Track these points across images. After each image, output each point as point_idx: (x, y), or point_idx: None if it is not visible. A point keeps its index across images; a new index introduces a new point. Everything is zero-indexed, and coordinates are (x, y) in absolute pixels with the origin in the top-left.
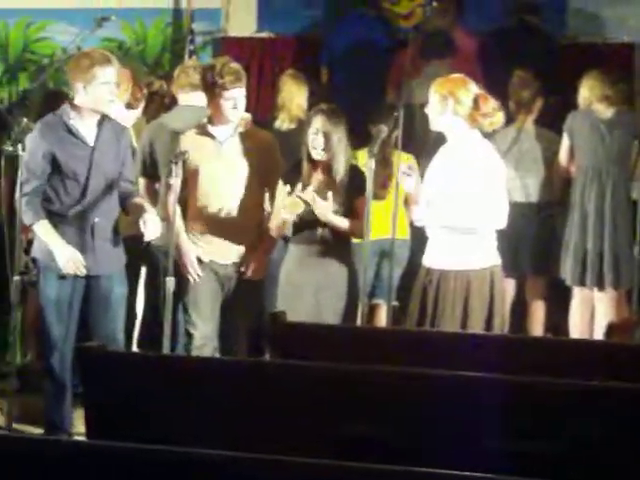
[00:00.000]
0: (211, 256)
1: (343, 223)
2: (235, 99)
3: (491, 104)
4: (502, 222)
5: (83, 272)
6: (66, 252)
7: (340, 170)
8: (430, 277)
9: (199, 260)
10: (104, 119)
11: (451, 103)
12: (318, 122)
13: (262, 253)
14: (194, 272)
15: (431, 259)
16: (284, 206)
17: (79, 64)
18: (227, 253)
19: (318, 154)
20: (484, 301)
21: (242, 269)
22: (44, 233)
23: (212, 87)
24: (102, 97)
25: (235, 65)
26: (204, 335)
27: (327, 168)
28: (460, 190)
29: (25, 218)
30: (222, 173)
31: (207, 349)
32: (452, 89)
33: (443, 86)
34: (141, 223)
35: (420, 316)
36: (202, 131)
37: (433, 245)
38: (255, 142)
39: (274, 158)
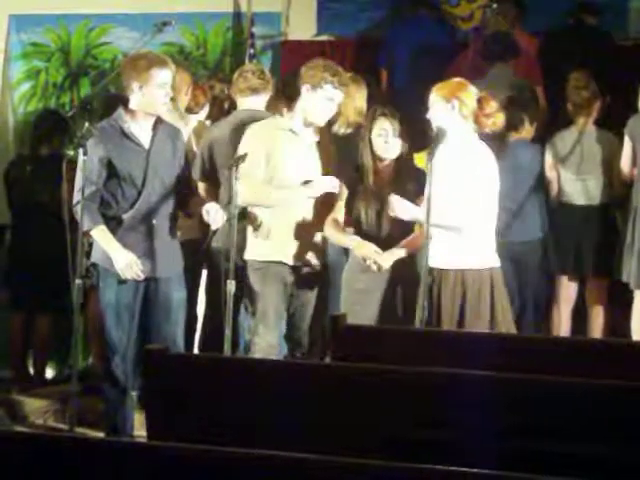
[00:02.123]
0: (279, 257)
1: (403, 253)
2: (333, 99)
3: (493, 105)
4: (492, 225)
5: (141, 277)
6: (124, 257)
7: (401, 172)
8: (433, 276)
9: (265, 262)
10: (158, 122)
11: (456, 105)
12: (382, 123)
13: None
14: None
15: (432, 258)
16: (354, 244)
17: (136, 65)
18: (295, 255)
19: (385, 152)
20: (485, 303)
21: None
22: (101, 239)
23: (315, 83)
24: (157, 99)
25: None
26: (269, 344)
27: (390, 168)
28: (456, 191)
29: (83, 224)
30: (299, 173)
31: (269, 353)
32: (455, 91)
33: (445, 89)
34: (204, 213)
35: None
36: (286, 128)
37: (434, 245)
38: (326, 146)
39: (330, 163)
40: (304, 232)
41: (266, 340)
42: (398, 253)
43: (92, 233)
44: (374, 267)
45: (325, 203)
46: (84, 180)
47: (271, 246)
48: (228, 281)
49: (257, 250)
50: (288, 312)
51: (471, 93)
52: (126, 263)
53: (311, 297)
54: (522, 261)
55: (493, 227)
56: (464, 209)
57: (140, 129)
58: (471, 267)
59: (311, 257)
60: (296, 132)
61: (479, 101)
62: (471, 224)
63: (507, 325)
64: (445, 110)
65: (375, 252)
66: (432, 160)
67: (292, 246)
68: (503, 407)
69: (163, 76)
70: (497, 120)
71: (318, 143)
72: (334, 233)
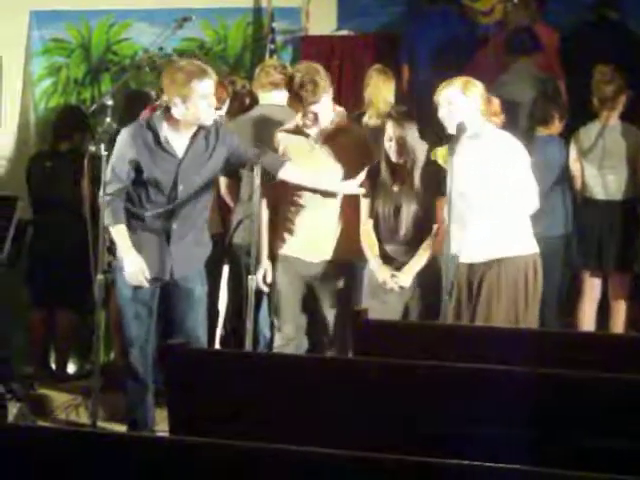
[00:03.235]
0: (298, 254)
1: (424, 260)
2: (316, 113)
3: (497, 102)
4: (534, 205)
5: (145, 285)
6: (134, 263)
7: (418, 171)
8: (473, 270)
9: (285, 257)
10: (200, 129)
11: (476, 99)
12: (390, 128)
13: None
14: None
15: (471, 254)
16: (377, 268)
17: (175, 79)
18: (315, 251)
19: (396, 159)
20: (521, 290)
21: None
22: (118, 238)
23: (296, 96)
24: (202, 110)
25: (312, 79)
26: (286, 336)
27: (406, 171)
28: (490, 180)
29: (105, 219)
30: (316, 171)
31: (288, 349)
32: (464, 87)
33: (460, 85)
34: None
35: (457, 312)
36: (296, 129)
37: (463, 241)
38: (349, 140)
39: (370, 156)
40: (325, 228)
41: (284, 334)
42: (415, 268)
43: (111, 230)
44: (396, 287)
45: (347, 200)
46: (110, 176)
47: (292, 241)
48: (249, 276)
49: (279, 243)
50: (308, 307)
51: (480, 89)
52: (134, 270)
53: (331, 293)
54: (547, 256)
55: (536, 205)
56: (504, 200)
57: (178, 138)
58: (512, 255)
59: (331, 253)
60: (305, 132)
61: (488, 99)
62: (515, 214)
63: (528, 315)
64: (466, 104)
65: (392, 276)
66: (453, 156)
67: (312, 242)
68: (524, 401)
69: (204, 87)
70: (500, 119)
71: (332, 141)
72: (366, 245)
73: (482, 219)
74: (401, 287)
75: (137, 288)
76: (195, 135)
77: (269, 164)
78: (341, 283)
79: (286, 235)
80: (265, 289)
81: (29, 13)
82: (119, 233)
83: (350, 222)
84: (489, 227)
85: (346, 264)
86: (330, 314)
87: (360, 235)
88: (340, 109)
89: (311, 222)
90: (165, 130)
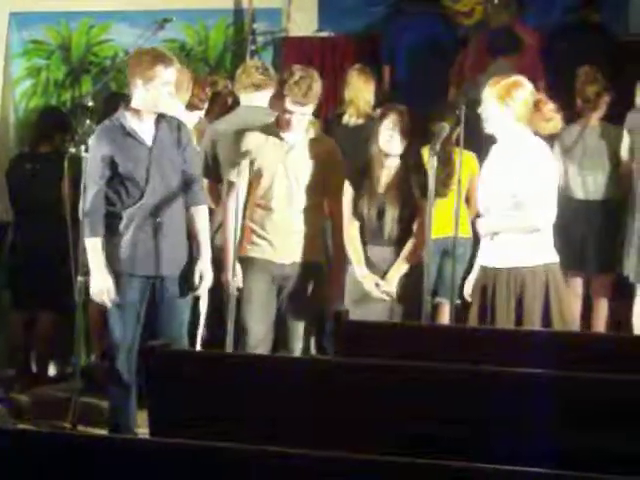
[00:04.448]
0: (268, 256)
1: (407, 264)
2: (304, 115)
3: (550, 107)
4: (552, 219)
5: (109, 305)
6: (101, 281)
7: (411, 167)
8: (487, 276)
9: (255, 260)
10: (161, 117)
11: (511, 104)
12: (392, 118)
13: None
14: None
15: (487, 258)
16: (362, 276)
17: (141, 61)
18: (286, 253)
19: (390, 148)
20: (538, 298)
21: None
22: (91, 252)
23: (284, 97)
24: (161, 97)
25: (309, 82)
26: (257, 338)
27: (396, 166)
28: (516, 190)
29: (82, 229)
30: (287, 175)
31: (258, 351)
32: (511, 90)
33: (501, 88)
34: (197, 272)
35: (480, 316)
36: (270, 131)
37: (488, 244)
38: (321, 149)
39: (338, 165)
40: (295, 230)
41: (254, 335)
42: (399, 273)
43: (86, 242)
44: (385, 297)
45: (317, 202)
46: (86, 180)
47: (263, 245)
48: (229, 279)
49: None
50: (276, 308)
51: (528, 93)
52: (100, 289)
53: (301, 294)
54: None
55: (553, 219)
56: (533, 208)
57: (142, 127)
58: (527, 264)
59: (303, 255)
60: (280, 135)
61: (536, 103)
62: (544, 223)
63: (567, 321)
64: (498, 109)
65: (376, 285)
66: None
67: (284, 245)
68: (510, 401)
69: (168, 74)
70: (556, 123)
71: (308, 145)
72: (350, 250)
73: (506, 226)
74: (387, 294)
75: (125, 291)
76: (158, 123)
77: (191, 194)
78: (311, 284)
79: (255, 238)
80: (234, 292)
81: (8, 15)
82: (93, 247)
83: (315, 223)
84: (506, 235)
85: (316, 265)
86: (298, 315)
87: (338, 237)
88: (313, 119)
89: (282, 225)
90: (129, 120)
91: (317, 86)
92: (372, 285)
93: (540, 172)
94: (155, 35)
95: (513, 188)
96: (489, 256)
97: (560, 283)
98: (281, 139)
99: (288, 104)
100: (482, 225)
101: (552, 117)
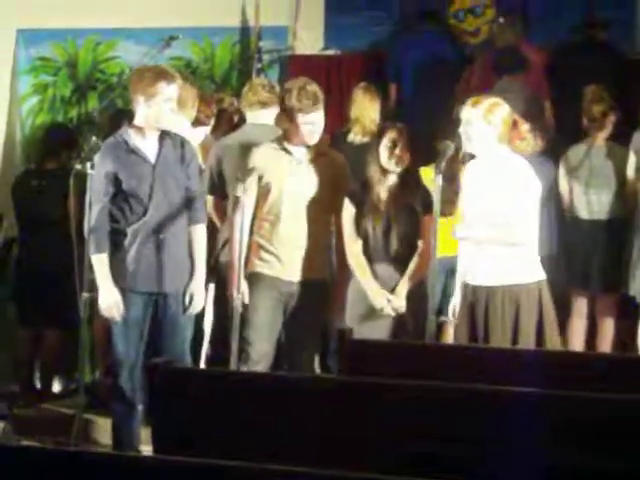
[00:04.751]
0: (275, 272)
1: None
2: (313, 123)
3: (526, 127)
4: (535, 237)
5: (118, 319)
6: (109, 297)
7: (410, 185)
8: (477, 295)
9: (262, 276)
10: (164, 135)
11: (495, 123)
12: (392, 136)
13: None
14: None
15: (476, 277)
16: (373, 291)
17: (142, 78)
18: (292, 271)
19: (391, 165)
20: (533, 317)
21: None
22: (98, 268)
23: (291, 109)
24: (163, 113)
25: (313, 87)
26: (260, 353)
27: (397, 183)
28: (498, 206)
29: (88, 246)
30: (295, 190)
31: (261, 367)
32: (494, 109)
33: (485, 107)
34: (188, 293)
35: (470, 335)
36: (279, 147)
37: (477, 262)
38: (329, 164)
39: (345, 182)
40: (301, 245)
41: (258, 351)
42: (405, 289)
43: (92, 258)
44: (393, 313)
45: (324, 218)
46: (91, 197)
47: (271, 261)
48: (235, 295)
49: (256, 261)
50: (285, 323)
51: (507, 113)
52: (108, 304)
53: (306, 311)
54: None
55: (537, 239)
56: (515, 226)
57: (146, 143)
58: (521, 282)
59: (310, 271)
60: (289, 150)
61: (513, 123)
62: (525, 240)
63: (553, 340)
64: (483, 128)
65: (387, 301)
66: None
67: (292, 262)
68: (514, 420)
69: (170, 90)
70: (529, 142)
71: (316, 160)
72: (356, 270)
73: (490, 244)
74: (396, 310)
75: (129, 308)
76: (161, 140)
77: (192, 212)
78: (316, 301)
79: (263, 254)
80: (239, 309)
81: (16, 32)
82: (99, 263)
83: (322, 239)
84: (495, 253)
85: (322, 282)
86: (303, 332)
87: (343, 255)
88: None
89: (289, 240)
90: (132, 137)
91: (320, 91)
92: (384, 301)
93: (524, 189)
94: (161, 52)
95: (497, 205)
96: (478, 274)
97: (550, 301)
98: (290, 153)
99: (298, 114)
100: (463, 232)
101: (526, 137)
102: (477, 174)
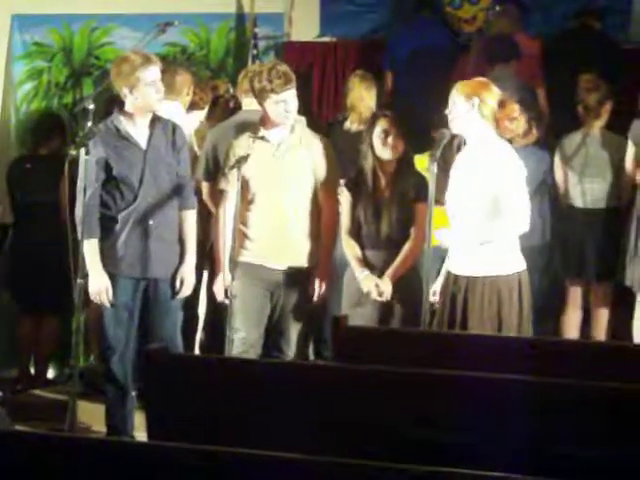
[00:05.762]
0: (260, 260)
1: (403, 268)
2: (286, 102)
3: (515, 108)
4: (525, 226)
5: (107, 305)
6: (99, 282)
7: (404, 172)
8: (459, 284)
9: (248, 264)
10: (156, 119)
11: (477, 103)
12: (384, 124)
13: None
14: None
15: (458, 266)
16: (362, 277)
17: (120, 70)
18: (277, 258)
19: (384, 153)
20: (514, 307)
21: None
22: (88, 253)
23: (261, 91)
24: (150, 97)
25: (283, 67)
26: (248, 341)
27: (391, 170)
28: (484, 196)
29: (79, 231)
30: (277, 176)
31: (249, 355)
32: (478, 90)
33: (468, 87)
34: (178, 277)
35: (449, 324)
36: (255, 135)
37: (459, 252)
38: (309, 146)
39: (330, 166)
40: (283, 229)
41: (242, 337)
42: (395, 274)
43: (83, 243)
44: (379, 298)
45: (308, 205)
46: (82, 182)
47: (253, 247)
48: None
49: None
50: (269, 313)
51: (493, 93)
52: (98, 289)
53: (293, 299)
54: (527, 266)
55: (527, 226)
56: (496, 216)
57: (136, 129)
58: (501, 273)
59: (296, 259)
60: (265, 138)
61: (501, 103)
62: (505, 231)
63: (525, 328)
64: (465, 108)
65: (376, 285)
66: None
67: (275, 247)
68: (507, 408)
69: (150, 74)
70: (519, 124)
71: (297, 145)
72: (349, 254)
73: (471, 233)
74: (382, 294)
75: (119, 292)
76: (152, 125)
77: (183, 198)
78: (304, 288)
79: (247, 243)
80: (225, 301)
81: (11, 17)
82: (90, 248)
83: (308, 225)
84: (477, 242)
85: (308, 269)
86: (291, 320)
87: (335, 241)
88: (301, 117)
89: (269, 225)
90: (123, 123)
91: (290, 71)
92: (372, 285)
93: (506, 174)
94: (157, 39)
95: (479, 191)
96: (459, 264)
97: (528, 291)
98: (267, 141)
99: (271, 94)
100: (446, 237)
101: (516, 117)
102: (463, 162)
